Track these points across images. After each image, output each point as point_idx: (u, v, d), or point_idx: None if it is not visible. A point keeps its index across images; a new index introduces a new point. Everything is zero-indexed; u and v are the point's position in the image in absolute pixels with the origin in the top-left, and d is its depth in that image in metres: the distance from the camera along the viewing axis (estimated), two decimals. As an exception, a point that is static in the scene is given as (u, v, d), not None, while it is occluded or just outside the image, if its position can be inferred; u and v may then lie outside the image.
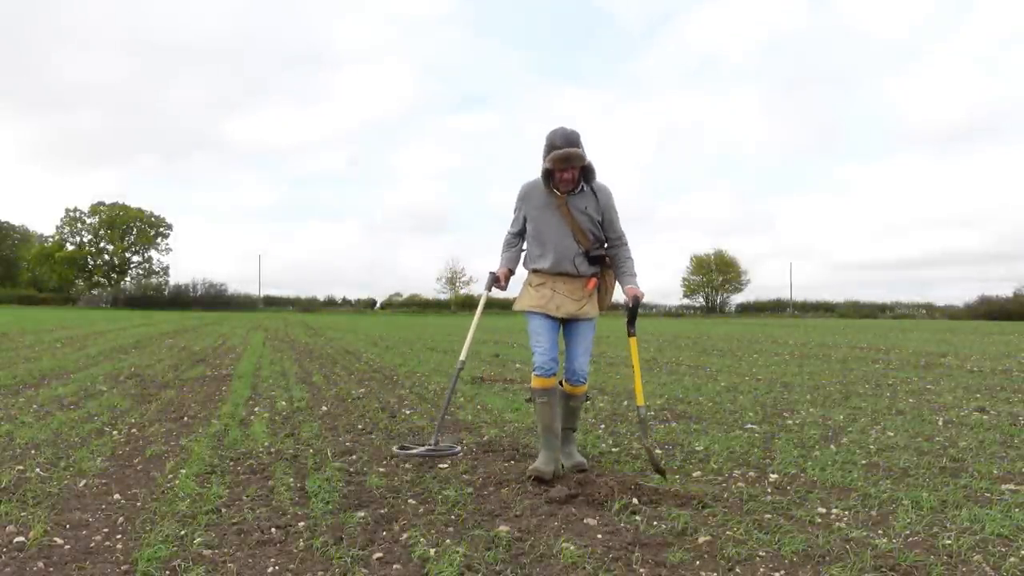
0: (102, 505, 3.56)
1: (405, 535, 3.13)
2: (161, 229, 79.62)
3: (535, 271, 4.31)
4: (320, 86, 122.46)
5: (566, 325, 4.26)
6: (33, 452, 4.65)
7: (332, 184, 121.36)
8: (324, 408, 6.64)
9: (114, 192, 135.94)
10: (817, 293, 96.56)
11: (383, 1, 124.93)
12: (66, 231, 77.52)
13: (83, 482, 3.96)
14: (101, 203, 77.55)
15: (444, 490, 3.81)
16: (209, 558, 2.86)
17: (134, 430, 5.48)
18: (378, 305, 78.74)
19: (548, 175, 4.13)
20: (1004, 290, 79.17)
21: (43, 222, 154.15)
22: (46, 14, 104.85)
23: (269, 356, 12.61)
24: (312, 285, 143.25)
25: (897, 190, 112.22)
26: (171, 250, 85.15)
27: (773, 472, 4.22)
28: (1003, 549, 2.93)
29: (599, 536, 3.13)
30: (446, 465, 4.40)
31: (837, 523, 3.28)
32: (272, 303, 76.61)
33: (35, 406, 6.50)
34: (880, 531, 3.17)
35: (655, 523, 3.28)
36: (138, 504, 3.57)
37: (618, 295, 4.44)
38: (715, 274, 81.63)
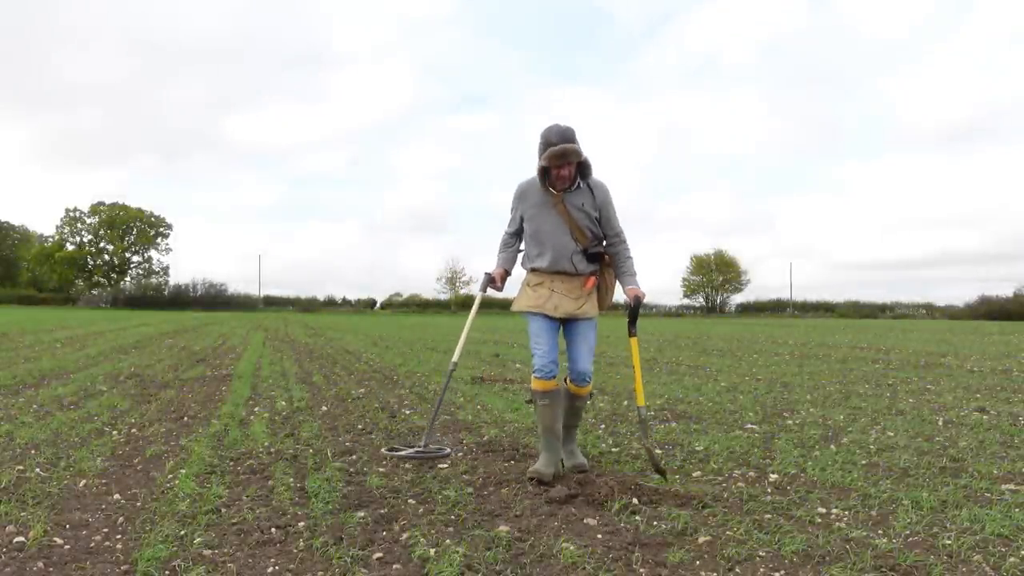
0: (102, 505, 3.56)
1: (405, 535, 3.13)
2: (161, 229, 79.68)
3: (533, 270, 4.27)
4: (320, 86, 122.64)
5: (566, 325, 4.22)
6: (33, 452, 4.65)
7: (332, 184, 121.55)
8: (324, 408, 6.64)
9: (114, 192, 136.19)
10: (817, 293, 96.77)
11: (383, 1, 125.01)
12: (66, 231, 77.59)
13: (83, 482, 3.96)
14: (101, 203, 77.61)
15: (444, 490, 3.81)
16: (209, 558, 2.86)
17: (134, 430, 5.48)
18: (378, 305, 78.75)
19: (544, 173, 4.08)
20: (1004, 290, 79.22)
21: (43, 222, 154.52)
22: (46, 14, 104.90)
23: (269, 356, 12.61)
24: (312, 285, 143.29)
25: (897, 190, 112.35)
26: (171, 250, 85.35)
27: (773, 472, 4.22)
28: (1003, 549, 2.93)
29: (599, 536, 3.13)
30: (446, 465, 4.40)
31: (837, 523, 3.27)
32: (272, 303, 76.61)
33: (35, 406, 6.50)
34: (880, 531, 3.17)
35: (655, 523, 3.27)
36: (138, 504, 3.57)
37: (618, 295, 4.42)
38: (715, 274, 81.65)
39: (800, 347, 16.33)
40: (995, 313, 57.24)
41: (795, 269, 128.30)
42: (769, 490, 3.85)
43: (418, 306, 76.26)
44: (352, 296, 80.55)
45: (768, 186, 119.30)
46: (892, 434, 5.43)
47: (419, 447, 4.43)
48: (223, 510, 3.45)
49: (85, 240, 77.76)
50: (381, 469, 4.29)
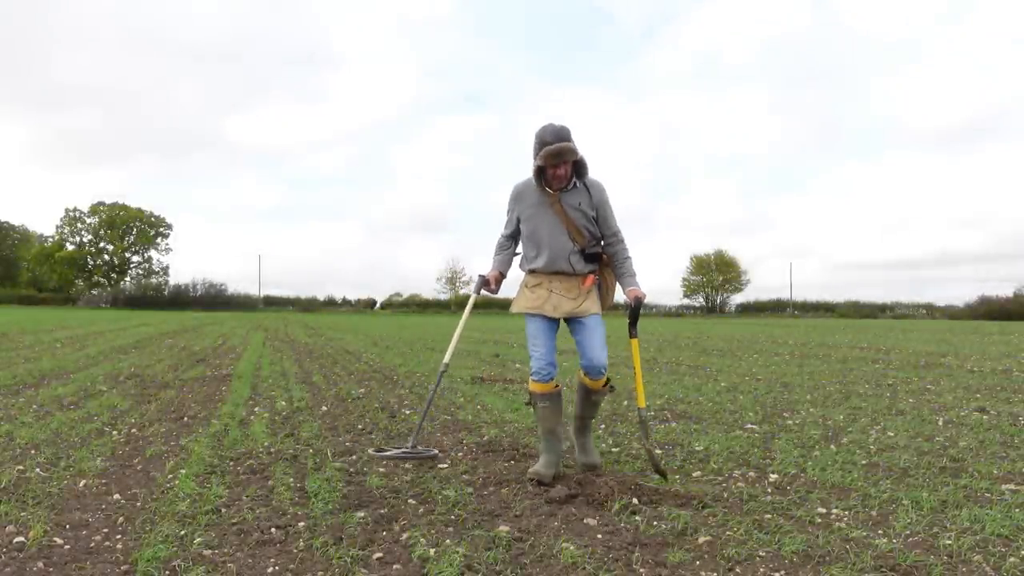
0: (102, 505, 3.56)
1: (405, 535, 3.13)
2: (161, 229, 79.72)
3: (531, 271, 4.23)
4: (320, 86, 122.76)
5: (571, 323, 4.17)
6: (33, 452, 4.65)
7: (332, 184, 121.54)
8: (324, 408, 6.64)
9: (114, 192, 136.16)
10: (817, 293, 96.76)
11: (384, 2, 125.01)
12: (66, 231, 77.62)
13: (83, 482, 3.96)
14: (101, 203, 77.62)
15: (444, 490, 3.81)
16: (209, 558, 2.86)
17: (134, 430, 5.48)
18: (378, 305, 78.75)
19: (540, 172, 4.06)
20: (1004, 290, 79.19)
21: (43, 222, 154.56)
22: (46, 14, 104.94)
23: (269, 356, 12.61)
24: (312, 285, 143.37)
25: (897, 190, 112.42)
26: (171, 250, 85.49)
27: (773, 472, 4.22)
28: (1003, 549, 2.93)
29: (599, 536, 3.13)
30: (446, 465, 4.40)
31: (837, 523, 3.27)
32: (272, 303, 76.62)
33: (35, 406, 6.50)
34: (880, 531, 3.17)
35: (655, 523, 3.27)
36: (138, 504, 3.57)
37: (619, 295, 4.41)
38: (715, 274, 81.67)
39: (800, 347, 16.33)
40: (995, 313, 57.22)
41: (795, 269, 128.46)
42: (769, 490, 3.85)
43: (418, 306, 76.26)
44: (352, 296, 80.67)
45: (768, 186, 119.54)
46: (892, 434, 5.43)
47: (406, 447, 4.38)
48: (223, 510, 3.45)
49: (85, 240, 77.82)
50: (381, 469, 4.29)
